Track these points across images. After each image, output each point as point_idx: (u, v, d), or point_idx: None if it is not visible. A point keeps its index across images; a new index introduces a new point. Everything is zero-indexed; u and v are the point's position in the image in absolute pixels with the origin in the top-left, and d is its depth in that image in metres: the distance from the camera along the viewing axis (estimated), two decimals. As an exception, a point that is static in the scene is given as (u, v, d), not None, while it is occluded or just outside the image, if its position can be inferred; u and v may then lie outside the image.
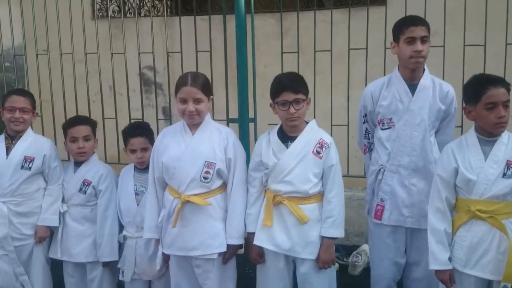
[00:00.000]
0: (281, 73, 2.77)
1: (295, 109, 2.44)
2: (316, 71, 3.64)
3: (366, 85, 3.38)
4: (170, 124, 3.95)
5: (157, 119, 4.12)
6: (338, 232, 2.51)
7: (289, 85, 2.45)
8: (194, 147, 2.57)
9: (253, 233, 2.58)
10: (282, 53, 3.68)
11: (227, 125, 3.54)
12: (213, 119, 3.61)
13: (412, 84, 2.68)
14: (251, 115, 3.38)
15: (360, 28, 3.56)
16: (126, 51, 4.06)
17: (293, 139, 2.52)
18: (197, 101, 2.51)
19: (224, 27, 3.66)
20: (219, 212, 2.61)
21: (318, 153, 2.50)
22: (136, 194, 2.86)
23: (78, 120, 3.06)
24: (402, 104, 2.70)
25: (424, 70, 2.68)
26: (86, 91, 4.13)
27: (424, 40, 2.58)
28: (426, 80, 2.68)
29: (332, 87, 3.71)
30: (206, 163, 2.54)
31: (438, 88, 2.68)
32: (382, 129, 2.77)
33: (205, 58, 3.89)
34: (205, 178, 2.54)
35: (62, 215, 3.02)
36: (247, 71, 3.42)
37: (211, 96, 2.60)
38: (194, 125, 2.60)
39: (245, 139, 3.42)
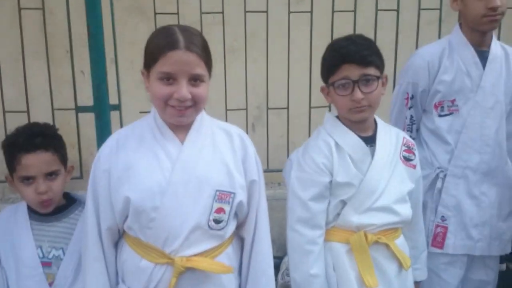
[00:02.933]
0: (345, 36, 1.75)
1: (363, 92, 1.61)
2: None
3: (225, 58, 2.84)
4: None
5: None
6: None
7: (353, 52, 1.61)
8: (190, 166, 1.49)
9: None
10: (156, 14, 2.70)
11: (77, 117, 2.61)
12: (55, 108, 2.72)
13: (479, 51, 2.03)
14: (113, 100, 2.43)
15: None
16: None
17: (367, 140, 1.69)
18: (195, 79, 1.46)
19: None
20: (233, 280, 1.60)
21: (408, 159, 1.75)
22: (46, 263, 1.68)
23: None
24: (470, 80, 2.01)
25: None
26: None
27: None
28: (496, 46, 2.05)
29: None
30: (218, 194, 1.50)
31: None
32: (440, 116, 2.06)
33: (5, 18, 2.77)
34: (217, 221, 1.49)
35: None
36: (103, 39, 2.35)
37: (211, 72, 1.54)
38: (180, 126, 1.54)
39: (106, 135, 2.35)
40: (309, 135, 2.95)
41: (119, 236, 1.60)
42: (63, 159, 1.77)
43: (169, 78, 1.45)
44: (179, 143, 1.53)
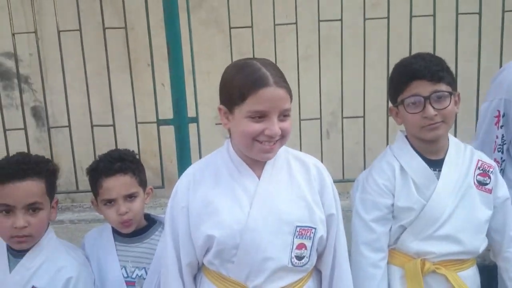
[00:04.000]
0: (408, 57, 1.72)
1: (435, 109, 1.55)
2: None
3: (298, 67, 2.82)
4: (48, 131, 2.96)
5: (25, 124, 2.90)
6: None
7: (423, 68, 1.54)
8: (269, 201, 1.46)
9: None
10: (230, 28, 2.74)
11: (158, 129, 2.68)
12: (138, 122, 2.83)
13: None
14: (190, 113, 2.51)
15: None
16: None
17: (435, 164, 1.63)
18: (284, 114, 1.43)
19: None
20: None
21: (483, 184, 1.64)
22: (130, 283, 1.73)
23: (14, 170, 1.61)
24: None
25: None
26: None
27: None
28: None
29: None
30: (299, 229, 1.46)
31: None
32: None
33: (91, 37, 2.90)
34: (300, 257, 1.46)
35: None
36: (182, 53, 2.46)
37: None
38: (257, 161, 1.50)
39: (185, 147, 2.53)
40: (387, 142, 2.86)
41: (198, 269, 1.60)
42: (142, 182, 1.83)
43: (260, 116, 1.41)
44: (256, 178, 1.50)
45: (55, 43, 2.86)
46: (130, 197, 1.79)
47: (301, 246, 1.46)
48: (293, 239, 1.46)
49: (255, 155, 1.48)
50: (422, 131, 1.60)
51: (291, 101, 1.47)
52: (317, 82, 2.88)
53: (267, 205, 1.47)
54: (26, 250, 1.70)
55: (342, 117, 2.92)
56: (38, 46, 2.83)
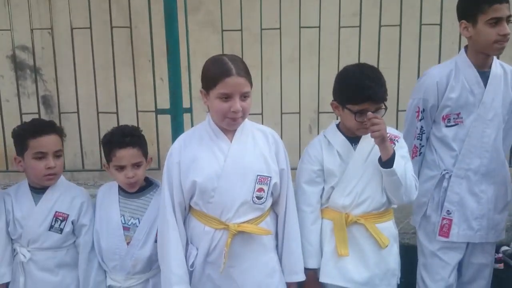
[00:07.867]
0: (355, 67, 2.01)
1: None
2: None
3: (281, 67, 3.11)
4: (59, 117, 3.27)
5: (39, 109, 3.23)
6: None
7: (375, 93, 1.89)
8: (238, 158, 1.90)
9: (313, 270, 2.03)
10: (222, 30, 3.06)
11: (156, 118, 3.01)
12: (139, 110, 3.09)
13: (482, 71, 2.24)
14: (185, 104, 2.77)
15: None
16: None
17: (356, 140, 2.02)
18: (244, 96, 1.85)
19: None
20: (271, 240, 2.01)
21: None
22: (125, 228, 2.12)
23: (44, 127, 2.13)
24: (473, 96, 2.24)
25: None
26: None
27: (509, 19, 2.14)
28: (497, 66, 2.26)
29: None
30: (259, 177, 1.89)
31: (511, 76, 2.29)
32: (447, 126, 2.29)
33: (99, 35, 3.17)
34: (259, 198, 1.90)
35: (21, 265, 2.09)
36: (179, 51, 2.68)
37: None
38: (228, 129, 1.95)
39: (180, 134, 2.74)
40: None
41: (186, 213, 2.01)
42: (145, 153, 2.18)
43: (226, 97, 1.83)
44: (229, 141, 1.93)
45: (66, 39, 3.13)
46: (137, 165, 2.13)
47: (260, 189, 1.91)
48: (255, 184, 1.90)
49: (225, 125, 1.92)
50: (358, 131, 1.97)
51: (251, 87, 1.88)
52: (301, 81, 3.18)
53: (236, 160, 1.91)
54: (46, 188, 2.15)
55: (318, 112, 3.22)
56: (53, 41, 3.09)
